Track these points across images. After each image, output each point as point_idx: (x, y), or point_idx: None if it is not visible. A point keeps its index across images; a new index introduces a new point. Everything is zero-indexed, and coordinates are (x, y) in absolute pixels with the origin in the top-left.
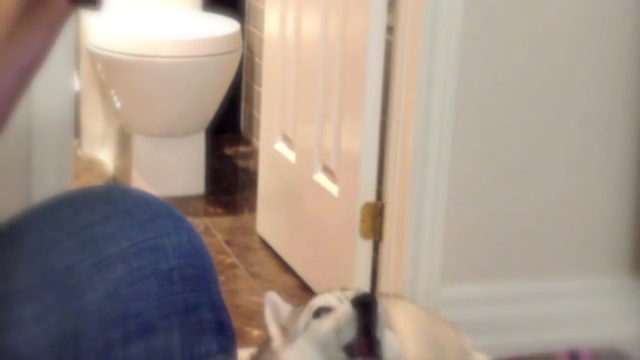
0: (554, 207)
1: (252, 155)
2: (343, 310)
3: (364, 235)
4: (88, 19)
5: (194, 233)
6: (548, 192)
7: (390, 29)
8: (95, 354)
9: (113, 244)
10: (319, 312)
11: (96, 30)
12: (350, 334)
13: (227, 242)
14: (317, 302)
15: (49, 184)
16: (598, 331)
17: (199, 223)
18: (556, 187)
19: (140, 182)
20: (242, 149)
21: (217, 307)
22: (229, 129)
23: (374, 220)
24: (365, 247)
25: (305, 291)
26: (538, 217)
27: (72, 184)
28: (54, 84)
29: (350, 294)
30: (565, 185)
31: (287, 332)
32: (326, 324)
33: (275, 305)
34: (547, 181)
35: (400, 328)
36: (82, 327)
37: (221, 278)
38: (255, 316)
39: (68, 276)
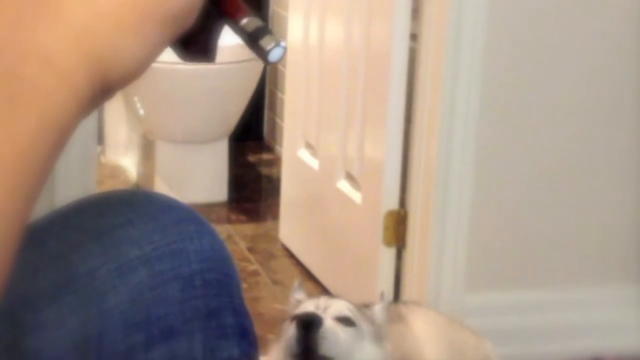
0: (577, 216)
1: (275, 162)
2: (291, 327)
3: (387, 243)
4: None
5: (217, 238)
6: (571, 201)
7: (414, 37)
8: (117, 357)
9: (136, 247)
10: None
11: None
12: (295, 348)
13: (250, 250)
14: (300, 308)
15: (72, 190)
16: (621, 340)
17: (221, 230)
18: (579, 196)
19: (163, 188)
20: (265, 156)
21: (239, 313)
22: (252, 136)
23: (397, 228)
24: (388, 254)
25: None
26: (561, 226)
27: (95, 191)
28: None
29: (331, 309)
30: (587, 194)
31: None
32: (289, 333)
33: (293, 294)
34: (570, 190)
35: (420, 334)
36: (104, 330)
37: (243, 285)
38: (277, 324)
39: (91, 279)
